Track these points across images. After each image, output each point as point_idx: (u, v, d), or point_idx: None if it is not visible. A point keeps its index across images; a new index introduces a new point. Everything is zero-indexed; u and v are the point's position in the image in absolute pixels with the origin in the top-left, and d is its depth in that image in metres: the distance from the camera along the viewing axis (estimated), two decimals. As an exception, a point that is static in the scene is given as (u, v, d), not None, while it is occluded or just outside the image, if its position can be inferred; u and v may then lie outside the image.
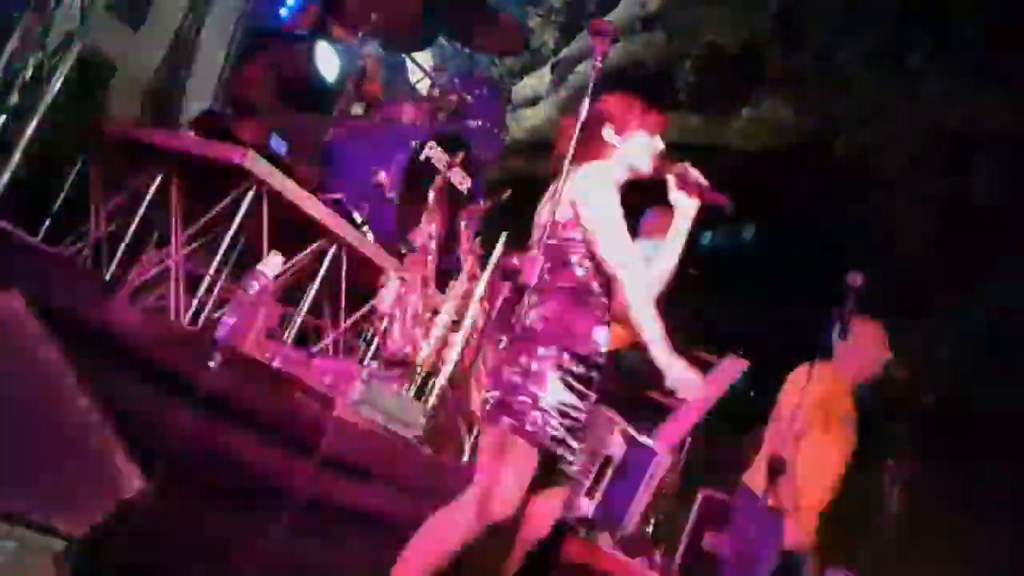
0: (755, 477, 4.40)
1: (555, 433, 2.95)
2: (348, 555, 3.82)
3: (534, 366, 2.93)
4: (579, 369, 3.01)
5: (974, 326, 7.80)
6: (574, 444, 3.02)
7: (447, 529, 2.93)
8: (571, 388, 2.99)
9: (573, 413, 2.99)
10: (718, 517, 5.58)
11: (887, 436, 4.51)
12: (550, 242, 2.95)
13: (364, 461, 3.91)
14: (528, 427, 2.90)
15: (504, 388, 2.92)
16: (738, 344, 5.70)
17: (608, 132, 3.16)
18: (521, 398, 2.91)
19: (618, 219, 3.04)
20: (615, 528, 4.97)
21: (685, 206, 3.15)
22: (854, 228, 7.91)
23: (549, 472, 3.02)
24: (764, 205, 8.16)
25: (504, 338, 2.92)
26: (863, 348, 4.46)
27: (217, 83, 6.00)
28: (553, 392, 2.94)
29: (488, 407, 2.94)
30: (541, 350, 2.93)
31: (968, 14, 7.62)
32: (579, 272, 3.06)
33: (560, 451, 2.99)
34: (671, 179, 3.15)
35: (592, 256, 3.06)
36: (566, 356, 2.98)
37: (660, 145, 3.19)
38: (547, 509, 3.11)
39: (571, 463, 3.06)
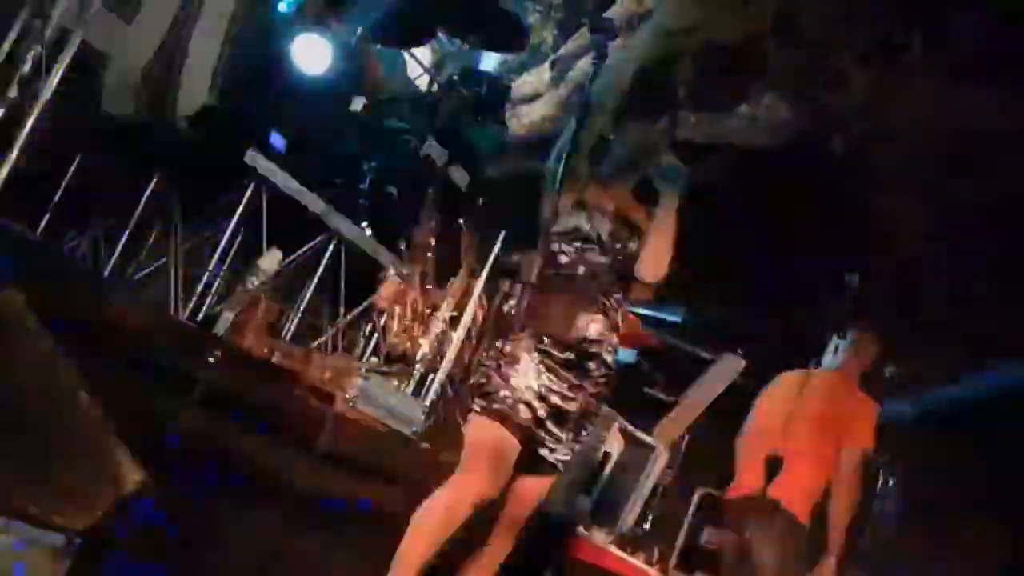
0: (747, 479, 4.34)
1: (528, 415, 2.92)
2: (346, 550, 3.82)
3: (507, 348, 2.92)
4: (560, 354, 2.99)
5: (971, 326, 7.80)
6: (555, 430, 3.00)
7: (432, 517, 2.91)
8: (555, 372, 2.97)
9: (554, 398, 2.97)
10: (716, 515, 5.58)
11: (886, 437, 4.48)
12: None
13: (363, 457, 3.91)
14: (497, 407, 2.89)
15: (479, 373, 2.92)
16: (736, 342, 5.70)
17: None
18: (495, 381, 2.91)
19: None
20: (614, 525, 4.97)
21: (667, 190, 3.13)
22: (851, 226, 7.91)
23: (529, 454, 2.98)
24: (761, 202, 8.17)
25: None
26: (863, 355, 4.43)
27: (213, 77, 5.99)
28: (526, 374, 2.93)
29: (469, 394, 2.93)
30: (517, 333, 2.91)
31: (966, 11, 7.62)
32: (563, 259, 3.07)
33: (540, 433, 2.97)
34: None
35: (584, 241, 3.06)
36: (545, 340, 2.97)
37: None
38: (529, 492, 3.08)
39: (551, 448, 3.02)
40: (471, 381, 2.80)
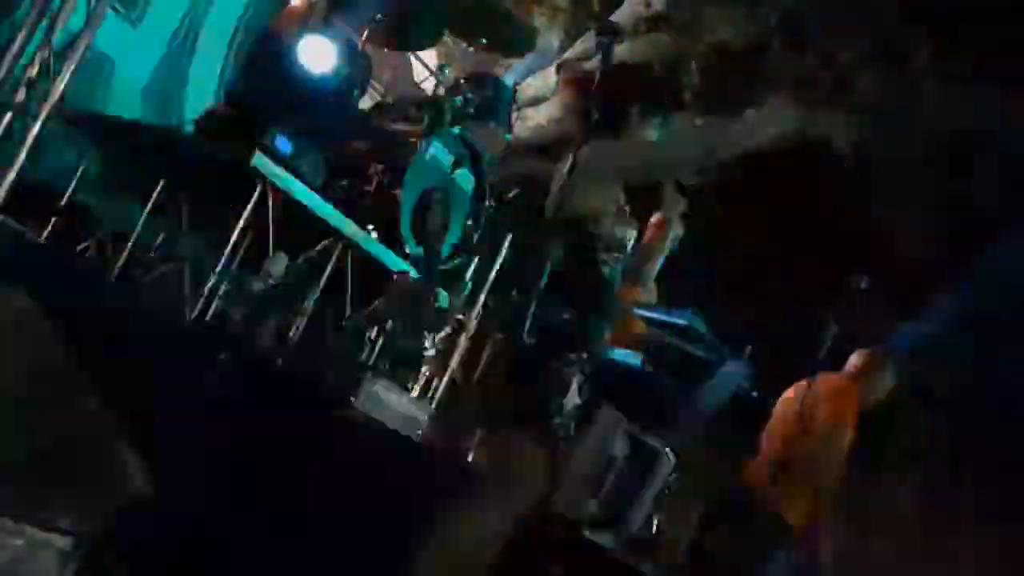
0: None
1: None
2: (352, 555, 3.82)
3: None
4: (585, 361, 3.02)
5: (974, 327, 7.79)
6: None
7: None
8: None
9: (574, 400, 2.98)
10: (721, 518, 5.57)
11: (892, 439, 4.49)
12: None
13: (369, 461, 3.91)
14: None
15: None
16: (741, 345, 5.70)
17: None
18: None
19: None
20: (618, 529, 4.97)
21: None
22: (856, 229, 7.91)
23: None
24: (766, 205, 8.17)
25: None
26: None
27: (219, 81, 6.00)
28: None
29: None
30: None
31: (970, 16, 7.62)
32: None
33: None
34: None
35: None
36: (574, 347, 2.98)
37: None
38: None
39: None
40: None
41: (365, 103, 5.66)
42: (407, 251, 4.90)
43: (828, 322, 4.44)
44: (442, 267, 4.76)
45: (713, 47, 8.52)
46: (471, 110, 5.30)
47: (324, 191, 4.50)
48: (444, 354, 4.64)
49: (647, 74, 8.42)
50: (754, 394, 5.94)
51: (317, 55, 5.06)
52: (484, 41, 5.62)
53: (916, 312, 7.58)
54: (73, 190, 4.76)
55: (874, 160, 8.25)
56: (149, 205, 4.56)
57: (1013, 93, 7.41)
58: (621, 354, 5.26)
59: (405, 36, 5.71)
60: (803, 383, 4.32)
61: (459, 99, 5.34)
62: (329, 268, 4.65)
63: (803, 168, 8.24)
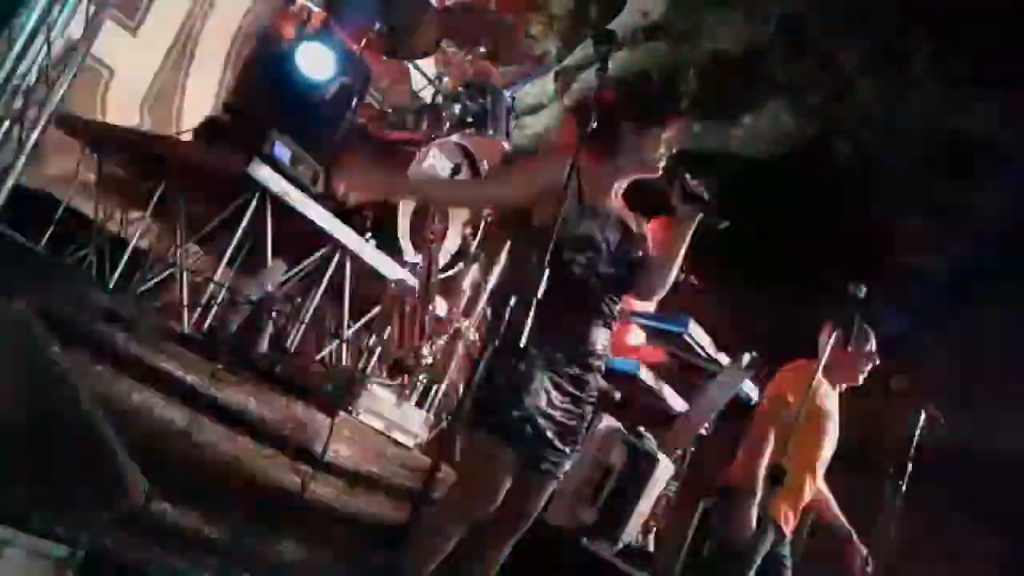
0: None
1: (533, 435, 2.91)
2: (349, 561, 3.82)
3: (521, 366, 2.84)
4: (569, 370, 2.98)
5: (975, 331, 7.79)
6: (560, 445, 2.97)
7: (433, 532, 2.94)
8: (560, 388, 2.96)
9: (558, 415, 2.95)
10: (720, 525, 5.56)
11: (889, 445, 4.48)
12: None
13: (366, 468, 3.92)
14: (504, 423, 2.87)
15: (487, 388, 2.78)
16: (741, 351, 5.69)
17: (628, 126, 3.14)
18: (504, 398, 2.87)
19: None
20: (616, 537, 4.96)
21: (686, 215, 3.11)
22: (855, 234, 7.91)
23: (531, 471, 2.98)
24: (766, 211, 8.16)
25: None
26: (853, 353, 4.41)
27: (218, 89, 6.01)
28: (538, 393, 2.90)
29: (470, 408, 2.87)
30: (531, 349, 2.76)
31: (969, 19, 7.63)
32: (576, 270, 3.00)
33: (544, 451, 2.96)
34: (673, 187, 3.11)
35: (595, 251, 3.03)
36: (558, 356, 2.95)
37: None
38: (526, 504, 3.05)
39: (555, 463, 2.99)
40: (478, 396, 2.74)
41: (363, 111, 5.66)
42: (405, 259, 4.91)
43: (828, 327, 4.42)
44: (440, 275, 4.76)
45: (711, 54, 8.52)
46: (469, 118, 5.31)
47: (322, 199, 4.51)
48: (442, 362, 4.64)
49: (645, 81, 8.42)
50: (753, 400, 5.95)
51: (316, 64, 5.08)
52: (482, 50, 5.63)
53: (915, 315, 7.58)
54: (71, 198, 4.77)
55: (874, 164, 8.25)
56: (147, 212, 4.56)
57: (1013, 95, 7.42)
58: (619, 361, 5.26)
59: (403, 44, 5.72)
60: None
61: (457, 108, 5.35)
62: (327, 275, 4.66)
63: (803, 173, 8.24)
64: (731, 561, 4.07)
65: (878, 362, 4.43)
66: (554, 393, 2.95)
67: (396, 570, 2.96)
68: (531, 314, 2.56)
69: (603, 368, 3.11)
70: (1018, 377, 6.94)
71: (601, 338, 3.06)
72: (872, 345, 4.42)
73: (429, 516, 2.95)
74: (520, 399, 2.88)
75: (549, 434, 2.94)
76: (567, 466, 3.06)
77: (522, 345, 2.56)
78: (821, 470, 4.35)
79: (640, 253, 3.16)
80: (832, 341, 4.13)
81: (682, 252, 3.13)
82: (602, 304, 3.06)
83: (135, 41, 5.56)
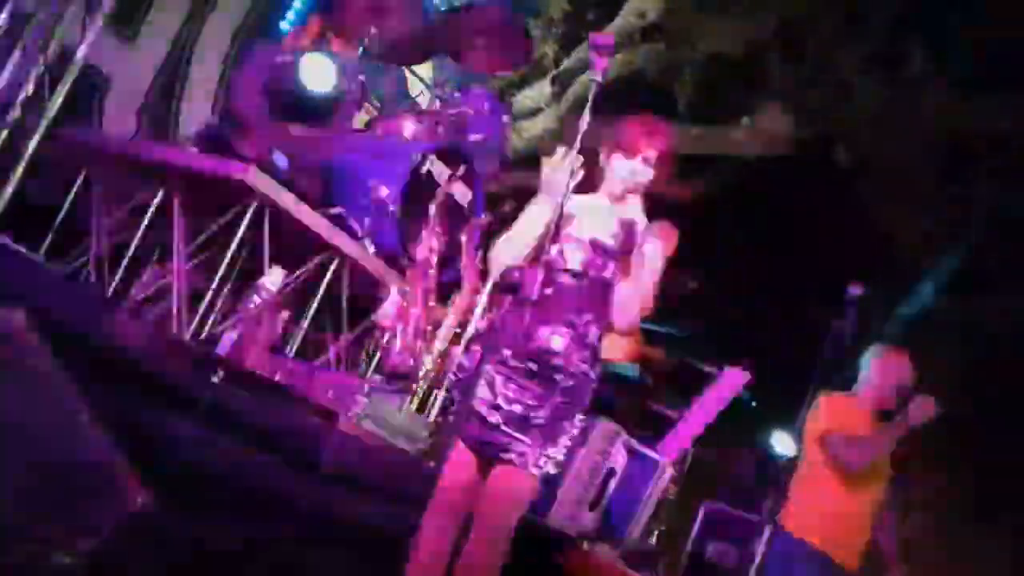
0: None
1: (479, 425, 3.04)
2: (350, 569, 3.82)
3: (466, 363, 3.08)
4: (521, 364, 3.07)
5: (975, 333, 7.80)
6: (518, 434, 3.04)
7: (427, 535, 3.07)
8: (512, 381, 3.06)
9: (515, 407, 3.04)
10: (721, 529, 5.57)
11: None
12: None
13: (366, 475, 3.91)
14: (453, 421, 3.04)
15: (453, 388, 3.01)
16: (739, 355, 5.70)
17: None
18: (455, 395, 3.02)
19: None
20: (617, 540, 4.96)
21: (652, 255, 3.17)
22: (854, 236, 7.92)
23: (489, 461, 3.08)
24: (764, 214, 8.17)
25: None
26: (886, 377, 4.39)
27: (214, 97, 6.02)
28: (482, 386, 3.04)
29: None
30: (479, 347, 3.00)
31: (967, 20, 7.64)
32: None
33: (496, 438, 3.04)
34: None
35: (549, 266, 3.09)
36: (505, 352, 3.06)
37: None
38: (492, 492, 3.09)
39: (519, 453, 3.04)
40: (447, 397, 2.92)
41: (361, 117, 5.67)
42: (403, 265, 4.91)
43: (827, 329, 4.42)
44: (441, 280, 4.77)
45: (709, 56, 8.53)
46: (466, 123, 5.31)
47: (319, 206, 4.52)
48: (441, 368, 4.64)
49: (642, 85, 8.44)
50: (753, 403, 5.95)
51: (314, 71, 5.08)
52: (478, 54, 5.62)
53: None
54: (69, 206, 4.77)
55: (873, 166, 8.26)
56: (145, 221, 4.56)
57: (1013, 96, 7.43)
58: (619, 366, 5.26)
59: (401, 50, 5.73)
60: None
61: (454, 112, 5.35)
62: (325, 282, 4.66)
63: (801, 175, 8.25)
64: None
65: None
66: (508, 385, 3.06)
67: None
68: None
69: (576, 367, 3.13)
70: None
71: (557, 338, 3.10)
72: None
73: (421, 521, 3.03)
74: (467, 393, 3.04)
75: (494, 420, 3.04)
76: (543, 462, 3.08)
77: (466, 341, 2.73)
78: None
79: (609, 272, 3.19)
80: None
81: (654, 277, 3.17)
82: (556, 309, 3.12)
83: (132, 50, 5.57)
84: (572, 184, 3.02)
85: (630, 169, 3.22)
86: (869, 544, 4.34)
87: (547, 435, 3.07)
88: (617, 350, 5.28)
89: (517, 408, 3.05)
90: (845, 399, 4.38)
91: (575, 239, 3.18)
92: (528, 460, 3.05)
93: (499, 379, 3.07)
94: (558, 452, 3.11)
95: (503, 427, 3.05)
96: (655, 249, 3.17)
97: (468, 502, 3.08)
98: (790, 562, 4.23)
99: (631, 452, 4.93)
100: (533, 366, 3.08)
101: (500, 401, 3.05)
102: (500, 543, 3.10)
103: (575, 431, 3.18)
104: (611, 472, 4.82)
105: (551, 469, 3.13)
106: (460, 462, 3.09)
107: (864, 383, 4.39)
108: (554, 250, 3.10)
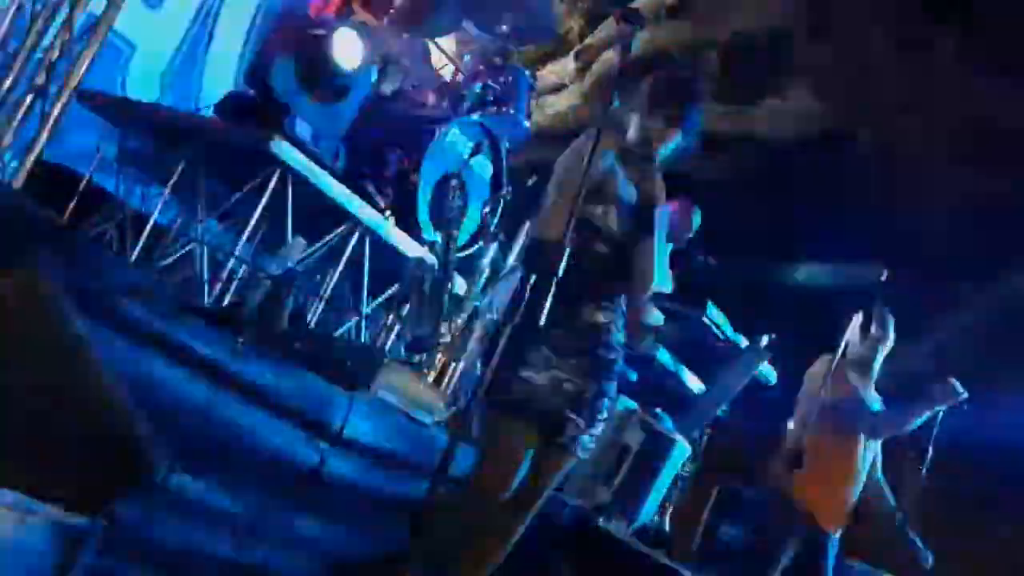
0: (777, 469, 4.37)
1: (543, 406, 2.95)
2: (366, 538, 3.84)
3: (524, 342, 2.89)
4: (570, 343, 2.99)
5: (999, 321, 7.74)
6: (573, 416, 2.99)
7: (459, 512, 3.00)
8: (564, 361, 2.97)
9: (567, 386, 2.97)
10: (735, 508, 5.57)
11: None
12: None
13: (384, 445, 3.93)
14: (512, 400, 2.91)
15: (494, 365, 2.81)
16: (758, 335, 5.68)
17: None
18: (505, 375, 2.89)
19: None
20: (633, 517, 4.97)
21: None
22: (879, 220, 7.86)
23: (548, 444, 3.01)
24: (788, 195, 8.12)
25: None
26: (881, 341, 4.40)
27: (238, 66, 6.02)
28: (536, 366, 2.94)
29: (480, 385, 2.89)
30: (532, 327, 2.76)
31: (997, 3, 7.55)
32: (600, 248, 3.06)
33: (558, 420, 2.98)
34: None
35: (591, 231, 3.04)
36: (553, 331, 2.92)
37: None
38: (542, 477, 3.08)
39: (572, 436, 3.01)
40: (486, 375, 2.78)
41: (385, 89, 5.65)
42: (424, 237, 4.91)
43: (848, 314, 4.40)
44: (459, 254, 4.76)
45: (735, 35, 8.47)
46: (490, 97, 5.29)
47: (342, 176, 4.51)
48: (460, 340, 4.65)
49: (667, 62, 8.37)
50: (771, 382, 5.93)
51: (344, 46, 5.05)
52: (504, 28, 5.59)
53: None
54: (93, 172, 4.79)
55: (898, 152, 8.18)
56: (167, 189, 4.57)
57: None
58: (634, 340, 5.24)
59: (424, 22, 5.70)
60: (828, 356, 4.28)
61: (478, 86, 5.33)
62: (347, 253, 4.67)
63: (826, 159, 8.19)
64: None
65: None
66: (559, 366, 2.97)
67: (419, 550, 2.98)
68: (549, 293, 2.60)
69: (617, 342, 3.10)
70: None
71: (600, 314, 3.06)
72: (889, 331, 4.40)
73: (452, 497, 2.97)
74: (521, 373, 2.92)
75: (557, 404, 2.97)
76: (587, 442, 3.06)
77: (541, 323, 2.60)
78: (863, 462, 4.33)
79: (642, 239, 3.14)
80: (853, 328, 4.13)
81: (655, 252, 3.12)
82: (596, 282, 3.07)
83: (157, 17, 5.57)
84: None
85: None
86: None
87: (592, 414, 3.05)
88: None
89: (569, 387, 2.99)
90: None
91: (615, 199, 3.10)
92: (578, 446, 3.04)
93: (552, 358, 2.97)
94: (597, 430, 3.10)
95: (565, 411, 2.98)
96: (663, 214, 3.12)
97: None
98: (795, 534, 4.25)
99: (648, 430, 4.93)
100: (582, 343, 3.02)
101: (555, 382, 2.96)
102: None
103: (611, 407, 3.17)
104: (627, 449, 4.83)
105: (588, 453, 3.13)
106: (518, 442, 2.98)
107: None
108: (598, 211, 3.05)
